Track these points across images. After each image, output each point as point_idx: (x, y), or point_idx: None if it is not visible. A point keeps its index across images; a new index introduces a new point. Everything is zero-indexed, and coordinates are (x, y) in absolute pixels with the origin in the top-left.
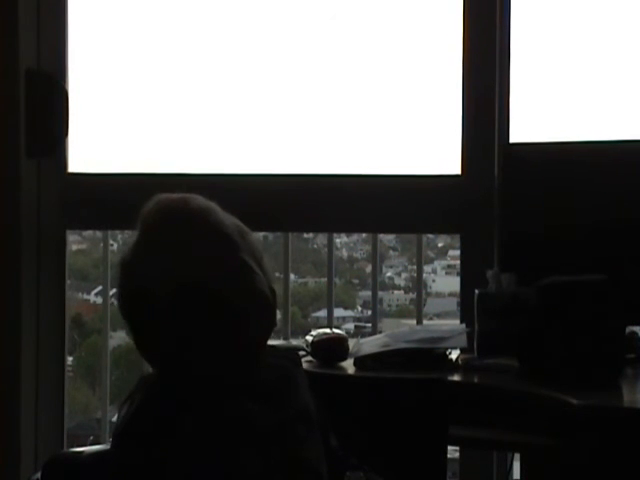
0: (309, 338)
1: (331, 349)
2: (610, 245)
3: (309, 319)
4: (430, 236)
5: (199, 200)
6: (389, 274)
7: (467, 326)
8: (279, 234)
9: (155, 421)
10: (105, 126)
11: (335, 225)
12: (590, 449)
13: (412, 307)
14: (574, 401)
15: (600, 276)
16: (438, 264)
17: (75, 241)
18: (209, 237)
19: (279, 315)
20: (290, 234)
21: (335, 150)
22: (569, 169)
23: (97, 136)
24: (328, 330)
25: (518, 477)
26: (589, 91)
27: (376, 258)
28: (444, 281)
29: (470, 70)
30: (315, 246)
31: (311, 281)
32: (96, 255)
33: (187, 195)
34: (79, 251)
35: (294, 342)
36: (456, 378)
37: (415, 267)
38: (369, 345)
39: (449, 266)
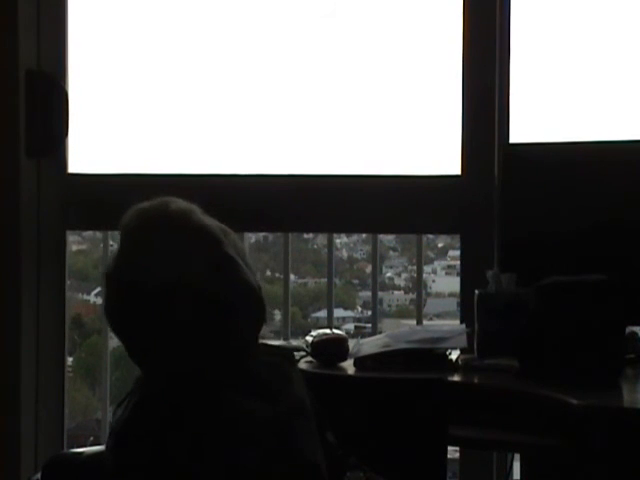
0: (309, 338)
1: (331, 350)
2: (610, 245)
3: (309, 319)
4: (430, 236)
5: (179, 202)
6: (389, 274)
7: (467, 326)
8: (279, 234)
9: (152, 421)
10: (105, 126)
11: (335, 225)
12: (590, 449)
13: (412, 307)
14: (574, 401)
15: (600, 276)
16: (438, 264)
17: (75, 241)
18: (191, 236)
19: (279, 315)
20: (290, 234)
21: (335, 150)
22: (569, 169)
23: (97, 136)
24: (328, 330)
25: (518, 477)
26: (589, 91)
27: (376, 258)
28: (444, 281)
29: (470, 70)
30: (315, 246)
31: (311, 281)
32: (96, 255)
33: (166, 199)
34: (79, 251)
35: (294, 342)
36: (456, 378)
37: (415, 267)
38: (369, 345)
39: (449, 266)
